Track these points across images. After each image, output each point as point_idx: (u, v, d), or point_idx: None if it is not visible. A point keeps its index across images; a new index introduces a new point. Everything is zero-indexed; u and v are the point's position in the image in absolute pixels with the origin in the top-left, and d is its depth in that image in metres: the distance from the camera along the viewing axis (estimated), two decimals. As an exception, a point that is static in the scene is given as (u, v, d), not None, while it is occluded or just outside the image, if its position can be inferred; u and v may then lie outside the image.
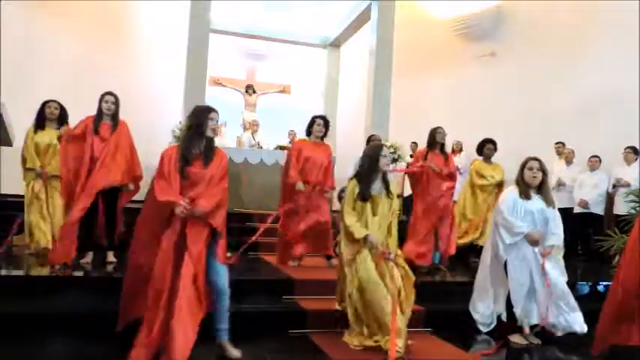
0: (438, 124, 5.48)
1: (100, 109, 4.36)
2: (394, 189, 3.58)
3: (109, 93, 4.41)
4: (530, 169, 3.78)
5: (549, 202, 3.81)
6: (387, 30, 9.12)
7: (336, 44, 11.76)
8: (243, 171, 7.47)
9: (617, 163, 6.83)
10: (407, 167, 5.89)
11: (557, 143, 7.62)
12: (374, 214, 3.45)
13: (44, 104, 4.86)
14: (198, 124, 3.09)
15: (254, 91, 11.34)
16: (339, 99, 11.73)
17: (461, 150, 9.05)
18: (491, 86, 9.50)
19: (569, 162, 7.30)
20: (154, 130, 9.09)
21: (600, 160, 6.93)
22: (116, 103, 4.39)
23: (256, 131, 9.89)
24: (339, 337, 3.51)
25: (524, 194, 3.78)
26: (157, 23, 10.46)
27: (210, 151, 3.11)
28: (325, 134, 5.25)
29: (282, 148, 8.82)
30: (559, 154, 7.57)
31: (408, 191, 8.99)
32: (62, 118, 4.89)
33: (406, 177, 9.13)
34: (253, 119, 10.39)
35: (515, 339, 3.80)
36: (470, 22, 10.11)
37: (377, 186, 3.48)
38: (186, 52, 8.37)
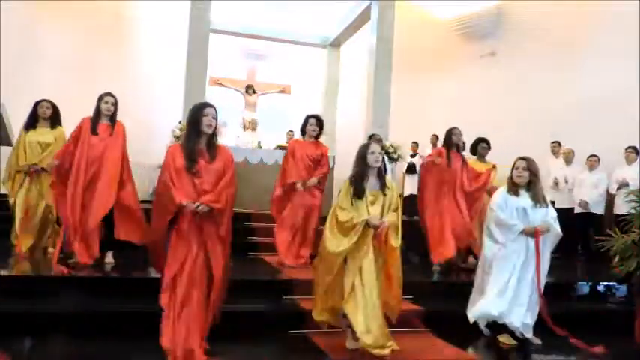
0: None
1: (98, 109, 4.37)
2: (391, 184, 3.56)
3: (109, 94, 4.41)
4: (516, 168, 3.91)
5: (537, 200, 3.87)
6: (387, 30, 9.11)
7: (336, 44, 11.75)
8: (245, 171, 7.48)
9: (617, 163, 6.83)
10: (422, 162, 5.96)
11: (552, 143, 7.64)
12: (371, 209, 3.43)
13: (37, 104, 4.85)
14: (194, 121, 3.10)
15: (254, 91, 11.33)
16: (339, 99, 11.73)
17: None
18: (491, 86, 9.50)
19: (568, 162, 7.29)
20: (154, 130, 9.11)
21: (599, 160, 6.92)
22: (115, 104, 4.41)
23: (254, 130, 9.91)
24: (339, 337, 3.50)
25: (512, 191, 3.90)
26: (157, 23, 10.46)
27: (212, 147, 3.12)
28: (320, 134, 5.23)
29: (282, 148, 8.82)
30: (554, 153, 7.58)
31: (407, 191, 9.03)
32: (55, 117, 4.87)
33: (406, 177, 9.17)
34: (252, 119, 10.41)
35: (503, 339, 3.81)
36: (470, 21, 10.11)
37: (372, 183, 3.48)
38: (186, 52, 8.37)
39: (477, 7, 9.93)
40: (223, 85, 11.24)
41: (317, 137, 5.22)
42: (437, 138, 8.93)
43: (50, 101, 4.88)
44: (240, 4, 9.98)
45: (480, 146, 5.84)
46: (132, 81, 9.59)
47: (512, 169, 3.95)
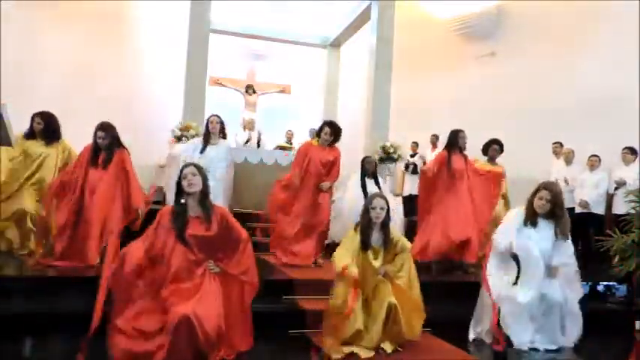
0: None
1: (94, 141, 4.37)
2: (397, 235, 3.55)
3: (101, 127, 4.37)
4: (541, 198, 3.73)
5: (564, 233, 3.71)
6: (387, 30, 9.13)
7: (336, 44, 11.76)
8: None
9: (617, 163, 6.82)
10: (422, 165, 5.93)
11: (554, 143, 7.62)
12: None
13: (32, 118, 4.85)
14: (178, 181, 2.94)
15: (254, 91, 11.34)
16: (339, 99, 11.73)
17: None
18: (491, 86, 9.49)
19: (568, 162, 7.28)
20: (154, 131, 9.10)
21: (600, 160, 6.92)
22: (106, 137, 4.36)
23: (252, 129, 9.94)
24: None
25: (530, 221, 3.75)
26: (157, 23, 10.46)
27: (206, 209, 2.94)
28: (335, 141, 5.20)
29: (282, 148, 8.82)
30: (556, 154, 7.57)
31: (406, 191, 9.02)
32: (48, 131, 4.83)
33: (406, 176, 9.18)
34: (250, 118, 10.45)
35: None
36: (470, 21, 10.10)
37: (375, 237, 3.51)
38: (186, 52, 8.38)
39: (477, 7, 9.92)
40: (223, 85, 11.24)
41: (332, 144, 5.21)
42: (437, 138, 8.92)
43: (43, 115, 4.84)
44: (240, 4, 9.99)
45: (492, 148, 5.81)
46: (132, 81, 9.59)
47: (534, 196, 3.75)
